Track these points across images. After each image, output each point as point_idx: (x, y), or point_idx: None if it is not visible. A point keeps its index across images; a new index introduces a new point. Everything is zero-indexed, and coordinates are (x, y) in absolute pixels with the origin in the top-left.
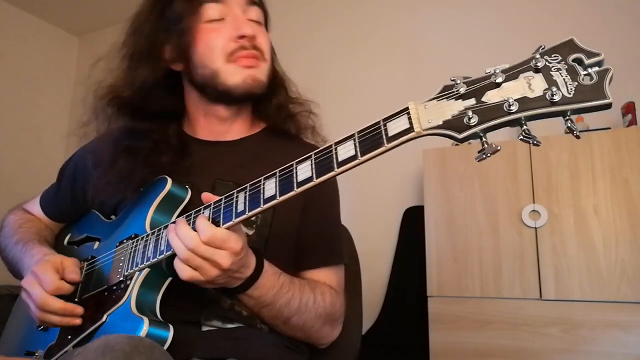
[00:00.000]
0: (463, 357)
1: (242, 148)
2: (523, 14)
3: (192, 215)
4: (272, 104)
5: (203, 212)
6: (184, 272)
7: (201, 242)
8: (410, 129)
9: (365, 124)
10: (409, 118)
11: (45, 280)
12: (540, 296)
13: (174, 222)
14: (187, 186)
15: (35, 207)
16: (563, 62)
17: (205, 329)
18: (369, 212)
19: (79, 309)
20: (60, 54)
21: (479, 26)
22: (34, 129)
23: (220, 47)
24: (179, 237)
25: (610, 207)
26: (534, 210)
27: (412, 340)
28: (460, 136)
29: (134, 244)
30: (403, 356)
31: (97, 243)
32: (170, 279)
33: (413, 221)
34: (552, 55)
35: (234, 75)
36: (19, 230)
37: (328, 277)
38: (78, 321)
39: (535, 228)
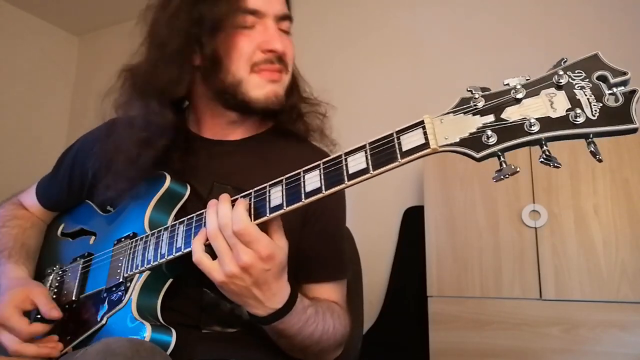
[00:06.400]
0: (463, 357)
1: (245, 149)
2: (523, 13)
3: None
4: (285, 105)
5: (247, 197)
6: (196, 253)
7: (232, 228)
8: (425, 145)
9: (366, 122)
10: (425, 133)
11: (14, 329)
12: (540, 296)
13: (174, 224)
14: (186, 183)
15: (29, 197)
16: (587, 80)
17: (204, 331)
18: (369, 212)
19: (55, 352)
20: (60, 54)
21: (480, 24)
22: (33, 129)
23: (247, 55)
24: (217, 212)
25: (610, 207)
26: (534, 210)
27: (412, 340)
28: (478, 155)
29: (133, 244)
30: (403, 356)
31: (93, 238)
32: (170, 280)
33: (413, 221)
34: (576, 71)
35: (257, 88)
36: (1, 230)
37: (334, 292)
38: (57, 355)
39: (535, 228)
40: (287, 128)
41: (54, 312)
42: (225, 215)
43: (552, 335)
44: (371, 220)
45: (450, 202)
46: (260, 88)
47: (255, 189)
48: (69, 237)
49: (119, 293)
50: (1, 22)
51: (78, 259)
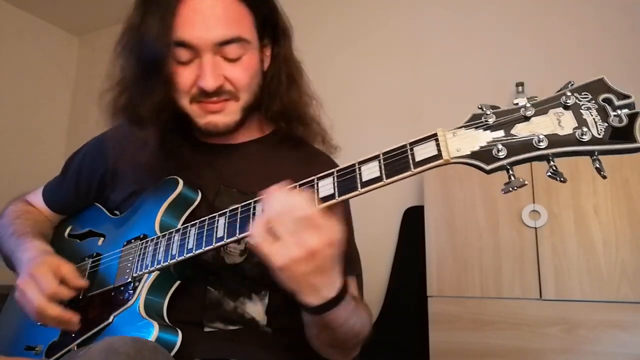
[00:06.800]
0: (463, 357)
1: (247, 152)
2: (523, 14)
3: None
4: (280, 107)
5: (312, 186)
6: (257, 235)
7: (303, 212)
8: (438, 156)
9: (366, 123)
10: (438, 145)
11: (44, 283)
12: (540, 296)
13: (185, 226)
14: (197, 188)
15: (36, 198)
16: (593, 102)
17: (207, 329)
18: (369, 212)
19: (75, 319)
20: (60, 54)
21: (480, 24)
22: (34, 128)
23: (184, 90)
24: (283, 197)
25: (610, 207)
26: (534, 210)
27: (412, 340)
28: (488, 168)
29: (143, 244)
30: (403, 356)
31: (102, 239)
32: (178, 282)
33: (413, 221)
34: (582, 94)
35: (198, 117)
36: (16, 221)
37: (353, 287)
38: (74, 328)
39: (535, 228)
40: (289, 132)
41: (80, 281)
42: (291, 200)
43: (552, 335)
44: (371, 220)
45: (450, 202)
46: (201, 118)
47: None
48: (77, 239)
49: (127, 292)
50: (1, 22)
51: (86, 258)
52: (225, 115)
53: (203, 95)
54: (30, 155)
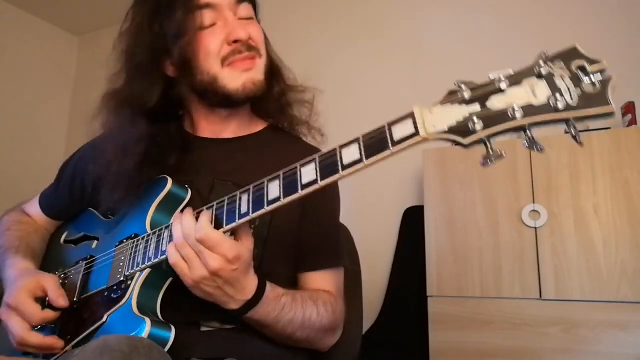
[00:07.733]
0: (463, 357)
1: (242, 147)
2: (523, 14)
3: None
4: (271, 96)
5: (210, 209)
6: (172, 256)
7: (194, 236)
8: (415, 134)
9: (366, 123)
10: (415, 123)
11: (27, 313)
12: (540, 296)
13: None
14: (187, 186)
15: (33, 207)
16: (566, 70)
17: (204, 329)
18: (369, 212)
19: (59, 344)
20: (60, 54)
21: (479, 26)
22: (34, 129)
23: (215, 52)
24: (181, 224)
25: (610, 207)
26: (534, 210)
27: (412, 340)
28: (466, 142)
29: (135, 243)
30: (403, 356)
31: (96, 242)
32: (171, 279)
33: (413, 221)
34: (555, 62)
35: (233, 81)
36: (6, 233)
37: (327, 280)
38: (57, 352)
39: (535, 228)
40: (281, 127)
41: (61, 301)
42: (189, 226)
43: (552, 335)
44: (371, 220)
45: (450, 202)
46: (236, 79)
47: (254, 184)
48: (72, 244)
49: (120, 291)
50: (1, 22)
51: (80, 261)
52: (257, 72)
53: (235, 52)
54: (30, 155)
